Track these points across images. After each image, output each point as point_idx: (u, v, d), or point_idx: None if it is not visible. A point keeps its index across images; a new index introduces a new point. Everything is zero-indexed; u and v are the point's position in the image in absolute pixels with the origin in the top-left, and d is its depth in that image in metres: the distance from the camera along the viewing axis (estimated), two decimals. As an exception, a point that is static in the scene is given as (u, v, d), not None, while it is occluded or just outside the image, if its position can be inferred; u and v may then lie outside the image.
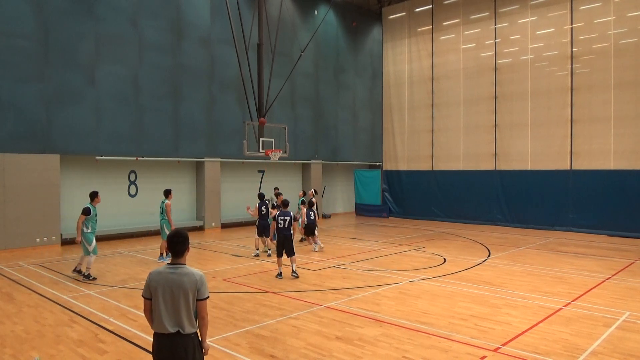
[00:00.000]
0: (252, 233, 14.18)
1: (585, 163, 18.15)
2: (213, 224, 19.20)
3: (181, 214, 18.41)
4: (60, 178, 15.06)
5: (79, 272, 10.48)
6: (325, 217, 24.35)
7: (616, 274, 10.90)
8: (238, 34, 16.04)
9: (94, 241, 10.30)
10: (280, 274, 10.46)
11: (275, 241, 13.32)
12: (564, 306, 8.18)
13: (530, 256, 13.18)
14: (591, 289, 9.41)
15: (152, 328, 3.79)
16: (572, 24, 18.48)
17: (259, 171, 21.95)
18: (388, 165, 25.00)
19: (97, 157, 15.80)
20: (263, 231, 13.23)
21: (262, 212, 13.24)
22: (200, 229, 18.97)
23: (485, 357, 5.92)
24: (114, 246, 14.97)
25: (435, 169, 22.87)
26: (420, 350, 6.13)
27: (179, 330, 3.67)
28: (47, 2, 14.57)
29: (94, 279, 10.24)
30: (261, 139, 16.50)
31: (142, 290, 3.89)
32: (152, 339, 3.84)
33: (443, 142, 22.55)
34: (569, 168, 18.55)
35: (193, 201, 19.36)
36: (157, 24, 17.23)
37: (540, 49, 19.36)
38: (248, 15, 18.24)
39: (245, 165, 21.10)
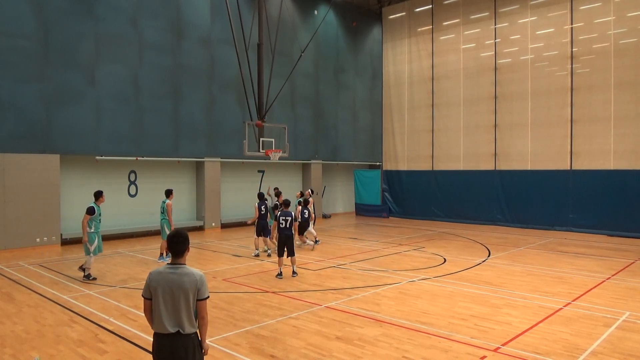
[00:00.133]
0: (252, 233, 14.18)
1: (585, 163, 18.15)
2: (213, 224, 19.20)
3: (181, 214, 18.41)
4: (60, 178, 15.06)
5: (84, 270, 10.45)
6: (325, 217, 24.36)
7: (616, 274, 10.90)
8: (238, 34, 16.03)
9: (96, 241, 10.26)
10: (280, 274, 10.46)
11: (271, 240, 13.39)
12: (564, 306, 8.18)
13: (530, 256, 13.18)
14: (591, 289, 9.41)
15: (152, 328, 3.79)
16: (572, 24, 18.48)
17: (259, 171, 21.96)
18: (388, 165, 25.00)
19: (97, 157, 15.80)
20: (262, 231, 13.22)
21: (262, 212, 13.22)
22: (200, 229, 18.97)
23: (485, 357, 5.92)
24: (114, 246, 14.97)
25: (435, 169, 22.87)
26: (420, 350, 6.13)
27: (179, 330, 3.67)
28: (47, 2, 14.57)
29: (94, 279, 10.24)
30: (261, 139, 16.50)
31: (142, 291, 3.89)
32: (152, 339, 3.85)
33: (443, 142, 22.55)
34: (569, 168, 18.55)
35: (193, 201, 19.36)
36: (157, 24, 17.23)
37: (540, 49, 19.36)
38: (248, 15, 18.24)
39: (245, 165, 21.10)
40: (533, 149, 19.53)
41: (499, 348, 6.21)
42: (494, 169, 20.72)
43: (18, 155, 14.04)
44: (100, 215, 10.41)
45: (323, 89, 24.03)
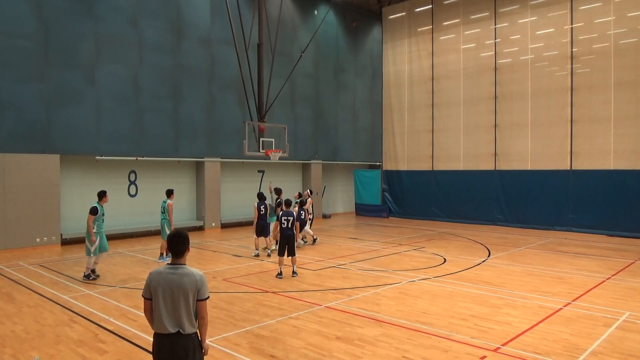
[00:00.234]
0: (252, 233, 14.18)
1: (585, 163, 18.15)
2: (213, 224, 19.20)
3: (181, 214, 18.41)
4: (60, 178, 15.06)
5: (92, 271, 10.36)
6: (325, 217, 24.36)
7: (616, 274, 10.90)
8: (238, 34, 16.04)
9: (97, 241, 10.18)
10: (280, 274, 10.47)
11: (268, 239, 13.39)
12: (564, 306, 8.18)
13: (530, 256, 13.18)
14: (591, 289, 9.41)
15: (152, 328, 3.79)
16: (572, 24, 18.48)
17: (259, 171, 21.96)
18: (388, 165, 25.00)
19: (97, 157, 15.80)
20: (262, 231, 13.21)
21: (261, 212, 13.21)
22: (200, 229, 18.97)
23: (485, 357, 5.92)
24: (114, 246, 14.96)
25: (435, 169, 22.87)
26: (420, 350, 6.13)
27: (179, 331, 3.68)
28: (47, 2, 14.57)
29: (95, 278, 10.23)
30: (261, 139, 16.50)
31: (142, 291, 3.89)
32: (151, 339, 3.85)
33: (443, 142, 22.55)
34: (569, 168, 18.55)
35: (193, 201, 19.36)
36: (157, 24, 17.23)
37: (540, 49, 19.35)
38: (248, 15, 18.24)
39: (245, 165, 21.10)
40: (533, 149, 19.53)
41: (499, 348, 6.21)
42: (494, 169, 20.72)
43: (18, 155, 14.04)
44: (103, 215, 10.38)
45: (323, 89, 24.03)
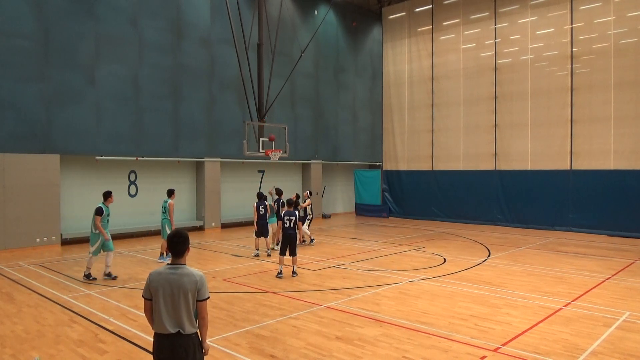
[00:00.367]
0: (251, 233, 14.18)
1: (585, 163, 18.15)
2: (213, 224, 19.20)
3: (181, 214, 18.40)
4: (60, 178, 15.06)
5: (109, 275, 10.28)
6: (325, 217, 24.36)
7: (616, 274, 10.90)
8: (238, 34, 16.04)
9: (99, 242, 10.16)
10: (280, 273, 10.47)
11: (268, 239, 13.39)
12: (564, 306, 8.18)
13: (530, 256, 13.18)
14: (591, 289, 9.41)
15: (152, 328, 3.79)
16: (572, 24, 18.48)
17: (259, 171, 21.96)
18: (388, 165, 25.00)
19: (97, 157, 15.80)
20: (261, 231, 13.21)
21: (260, 212, 13.20)
22: (200, 229, 18.97)
23: (485, 357, 5.92)
24: (114, 246, 14.93)
25: (435, 169, 22.87)
26: (420, 350, 6.13)
27: (179, 331, 3.67)
28: (47, 2, 14.57)
29: (94, 279, 10.23)
30: (261, 139, 16.49)
31: (142, 291, 3.89)
32: (152, 339, 3.85)
33: (443, 142, 22.55)
34: (569, 168, 18.55)
35: (193, 201, 19.36)
36: (157, 24, 17.22)
37: (540, 49, 19.35)
38: (248, 15, 18.24)
39: (245, 165, 21.10)
40: (533, 149, 19.53)
41: (499, 348, 6.22)
42: (494, 169, 20.72)
43: (18, 155, 14.04)
44: (108, 215, 10.37)
45: (323, 89, 24.03)
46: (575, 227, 18.18)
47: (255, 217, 13.22)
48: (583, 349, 6.18)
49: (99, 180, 16.24)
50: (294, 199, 15.90)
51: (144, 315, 4.02)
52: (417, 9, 23.58)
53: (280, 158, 17.34)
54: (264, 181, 21.86)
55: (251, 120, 16.57)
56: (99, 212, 10.11)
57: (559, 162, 18.77)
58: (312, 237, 15.35)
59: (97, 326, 7.16)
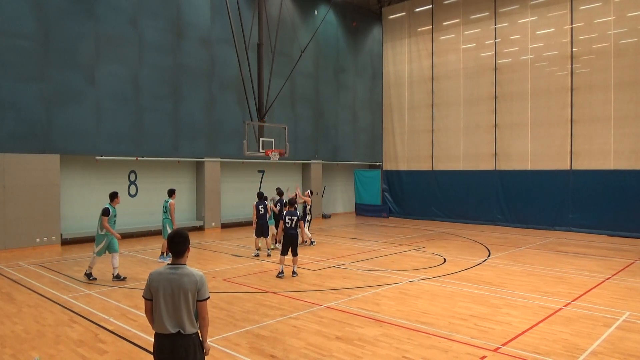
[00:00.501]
0: (252, 233, 14.18)
1: (585, 163, 18.16)
2: (213, 224, 19.20)
3: (181, 214, 18.40)
4: (60, 178, 15.06)
5: (118, 277, 10.19)
6: (325, 217, 24.36)
7: (616, 274, 10.90)
8: (238, 34, 16.04)
9: (104, 242, 10.07)
10: (281, 272, 10.48)
11: (268, 239, 13.39)
12: (564, 306, 8.18)
13: (530, 256, 13.18)
14: (591, 289, 9.41)
15: (153, 328, 3.79)
16: (572, 24, 18.48)
17: (259, 171, 21.96)
18: (388, 165, 25.00)
19: (97, 157, 15.80)
20: (261, 231, 13.20)
21: (260, 212, 13.20)
22: (200, 229, 18.97)
23: (485, 357, 5.92)
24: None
25: (435, 169, 22.87)
26: (420, 350, 6.13)
27: (179, 331, 3.67)
28: (47, 2, 14.57)
29: (94, 278, 10.23)
30: (261, 139, 16.50)
31: (142, 291, 3.89)
32: (152, 339, 3.85)
33: (443, 142, 22.55)
34: (569, 168, 18.55)
35: (193, 201, 19.36)
36: (157, 24, 17.22)
37: (540, 49, 19.36)
38: (248, 15, 18.24)
39: (245, 165, 21.10)
40: (533, 149, 19.53)
41: (499, 348, 6.22)
42: (494, 169, 20.72)
43: (18, 155, 14.04)
44: (115, 216, 10.26)
45: (323, 89, 24.03)
46: (575, 227, 18.18)
47: (254, 216, 13.24)
48: (583, 349, 6.18)
49: (99, 180, 16.24)
50: (294, 198, 15.94)
51: (144, 315, 4.02)
52: (417, 9, 23.58)
53: (280, 158, 17.35)
54: (264, 181, 21.86)
55: (251, 120, 16.57)
56: (105, 212, 10.04)
57: (559, 162, 18.77)
58: (312, 240, 15.30)
59: (97, 326, 7.16)
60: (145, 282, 3.81)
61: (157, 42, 17.22)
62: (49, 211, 14.56)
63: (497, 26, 20.69)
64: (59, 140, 14.86)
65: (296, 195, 15.43)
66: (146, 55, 16.89)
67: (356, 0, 25.56)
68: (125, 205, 16.96)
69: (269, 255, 13.17)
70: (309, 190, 17.26)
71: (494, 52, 20.71)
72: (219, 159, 19.31)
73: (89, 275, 10.26)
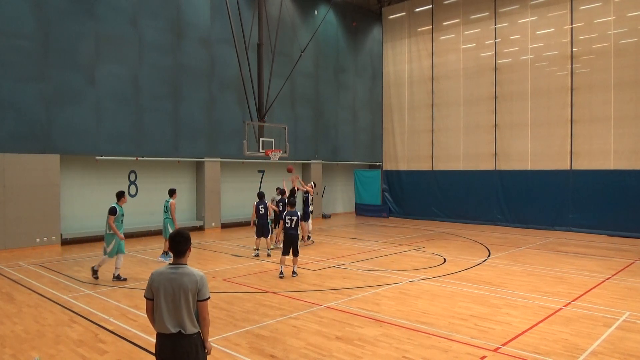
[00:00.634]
0: (252, 233, 14.18)
1: (585, 163, 18.16)
2: (213, 224, 19.20)
3: (181, 214, 18.39)
4: (60, 178, 15.06)
5: (118, 277, 10.14)
6: (325, 217, 24.36)
7: (616, 274, 10.90)
8: (238, 34, 16.04)
9: (113, 244, 10.00)
10: (282, 273, 10.48)
11: (268, 239, 13.39)
12: (564, 306, 8.18)
13: (530, 256, 13.19)
14: (591, 289, 9.41)
15: (154, 328, 3.79)
16: (572, 24, 18.48)
17: (259, 171, 21.96)
18: (388, 165, 25.00)
19: (97, 157, 15.80)
20: (262, 231, 13.20)
21: (260, 212, 13.20)
22: (200, 229, 18.97)
23: (485, 357, 5.92)
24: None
25: (435, 169, 22.87)
26: (420, 350, 6.13)
27: (180, 331, 3.68)
28: (47, 2, 14.57)
29: (97, 277, 10.21)
30: (261, 139, 16.50)
31: (143, 291, 3.89)
32: (152, 339, 3.85)
33: (443, 142, 22.55)
34: (569, 168, 18.55)
35: (193, 201, 19.36)
36: (157, 24, 17.22)
37: (540, 49, 19.35)
38: (248, 15, 18.24)
39: (245, 165, 21.10)
40: (533, 149, 19.53)
41: (499, 348, 6.22)
42: (494, 169, 20.72)
43: (18, 155, 14.04)
44: (122, 215, 10.20)
45: (323, 88, 24.03)
46: (575, 227, 18.18)
47: (253, 216, 13.25)
48: (583, 349, 6.18)
49: (99, 180, 16.24)
50: (294, 189, 15.95)
51: (144, 315, 4.02)
52: (417, 9, 23.58)
53: (280, 158, 17.36)
54: (264, 181, 21.86)
55: (251, 120, 16.58)
56: (112, 212, 9.97)
57: (559, 162, 18.77)
58: (309, 236, 15.28)
59: (97, 326, 7.15)
60: (147, 282, 3.82)
61: (157, 42, 17.22)
62: (49, 211, 14.56)
63: (497, 26, 20.69)
64: (59, 140, 14.86)
65: (296, 189, 15.45)
66: (146, 55, 16.89)
67: (356, 0, 25.57)
68: (125, 205, 16.96)
69: (269, 255, 13.17)
70: (312, 182, 17.24)
71: (494, 52, 20.71)
72: (219, 159, 19.31)
73: (95, 271, 10.21)
